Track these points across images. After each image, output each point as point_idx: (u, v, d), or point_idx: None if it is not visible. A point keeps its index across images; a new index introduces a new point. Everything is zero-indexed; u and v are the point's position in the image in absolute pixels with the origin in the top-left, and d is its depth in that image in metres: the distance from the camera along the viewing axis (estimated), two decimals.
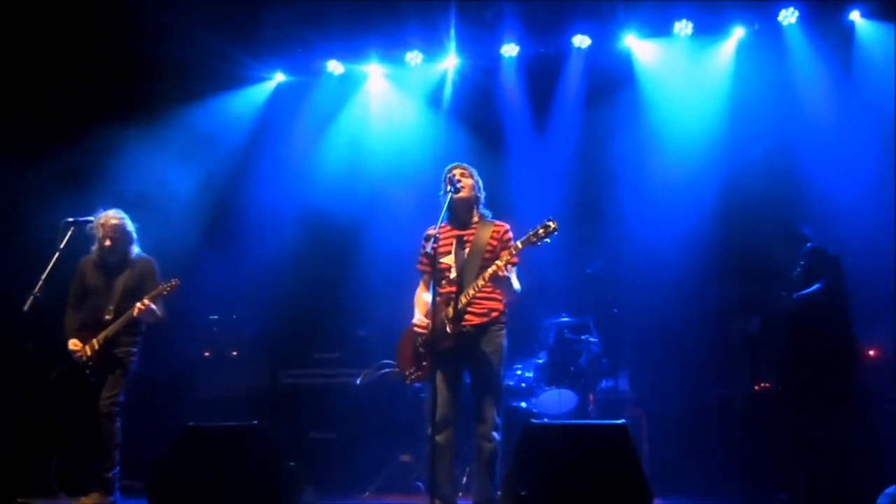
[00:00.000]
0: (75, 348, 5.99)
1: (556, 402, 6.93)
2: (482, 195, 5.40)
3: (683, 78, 7.65)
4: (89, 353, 5.98)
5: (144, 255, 6.28)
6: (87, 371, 5.97)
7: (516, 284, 5.13)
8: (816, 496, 5.91)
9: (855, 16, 7.19)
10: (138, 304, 5.93)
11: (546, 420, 6.52)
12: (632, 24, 7.68)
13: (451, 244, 5.30)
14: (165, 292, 6.01)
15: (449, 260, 5.27)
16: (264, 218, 8.12)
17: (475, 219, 5.35)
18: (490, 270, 4.98)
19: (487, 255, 5.19)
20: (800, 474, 6.02)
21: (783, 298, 6.19)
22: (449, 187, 5.23)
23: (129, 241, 6.22)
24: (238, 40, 7.87)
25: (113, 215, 6.18)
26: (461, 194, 5.25)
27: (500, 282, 5.03)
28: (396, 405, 7.24)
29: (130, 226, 6.23)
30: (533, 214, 5.06)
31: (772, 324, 6.52)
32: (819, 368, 6.05)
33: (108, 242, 6.11)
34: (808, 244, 6.33)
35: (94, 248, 6.17)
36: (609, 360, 7.32)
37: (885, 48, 6.92)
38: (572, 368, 7.23)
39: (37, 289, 5.68)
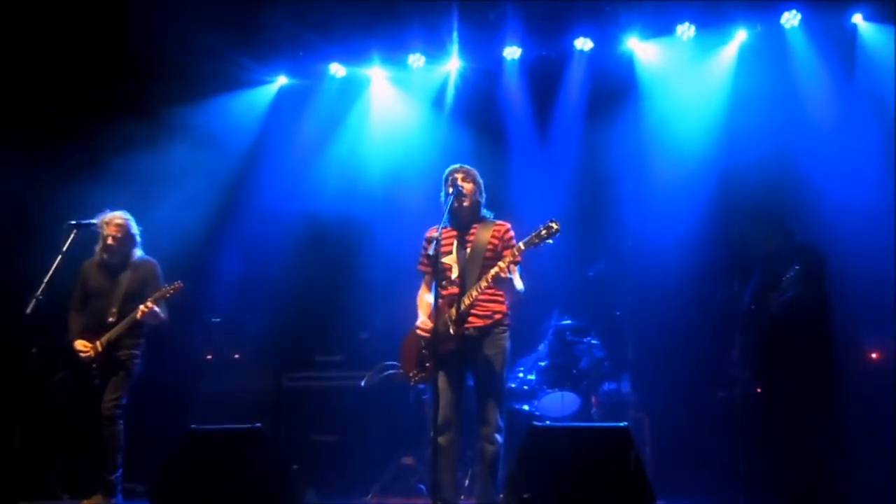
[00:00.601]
0: (83, 349, 6.00)
1: (558, 404, 6.92)
2: (483, 198, 5.42)
3: (686, 81, 7.63)
4: (93, 354, 5.99)
5: (147, 257, 6.29)
6: (92, 373, 5.98)
7: (519, 285, 5.14)
8: (805, 497, 5.90)
9: (857, 18, 7.17)
10: (142, 307, 5.94)
11: (548, 422, 6.53)
12: (634, 27, 7.67)
13: (452, 244, 5.32)
14: (169, 295, 6.02)
15: (450, 260, 5.29)
16: (266, 220, 8.13)
17: (476, 220, 5.36)
18: (493, 272, 4.99)
19: (489, 255, 5.20)
20: (776, 476, 6.02)
21: (773, 301, 6.11)
22: (451, 190, 5.25)
23: (133, 244, 6.23)
24: (240, 42, 7.87)
25: (119, 215, 6.21)
26: (463, 202, 5.27)
27: (502, 283, 5.04)
28: (398, 407, 7.24)
29: (135, 229, 6.25)
30: (535, 216, 5.08)
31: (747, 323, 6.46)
32: (797, 369, 6.01)
33: (110, 241, 6.13)
34: (796, 239, 6.27)
35: (98, 247, 6.19)
36: (611, 362, 7.32)
37: (887, 51, 6.90)
38: (574, 371, 7.22)
39: (39, 291, 5.69)
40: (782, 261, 6.14)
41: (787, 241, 6.25)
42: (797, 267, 5.98)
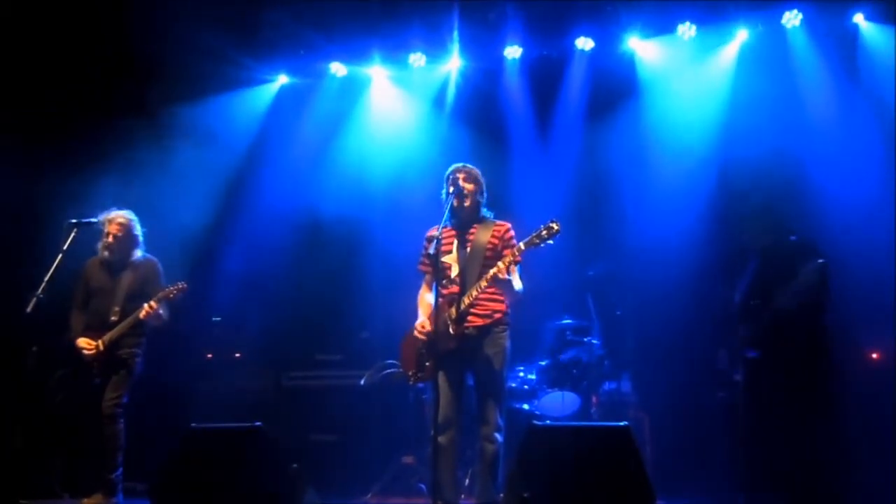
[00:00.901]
0: (87, 347, 6.00)
1: (558, 404, 6.92)
2: (483, 198, 5.42)
3: (687, 80, 7.64)
4: (95, 353, 5.99)
5: (148, 255, 6.30)
6: (93, 371, 5.98)
7: (518, 285, 5.14)
8: (805, 497, 5.88)
9: (859, 18, 7.17)
10: (146, 307, 5.94)
11: (548, 422, 6.52)
12: (635, 27, 7.67)
13: (452, 244, 5.33)
14: (172, 295, 6.01)
15: (450, 259, 5.30)
16: (266, 219, 8.13)
17: (476, 219, 5.37)
18: (491, 272, 5.00)
19: (488, 254, 5.21)
20: (776, 475, 5.99)
21: (783, 295, 5.99)
22: (452, 189, 5.26)
23: (134, 244, 6.23)
24: (240, 41, 7.88)
25: (122, 214, 6.22)
26: (464, 201, 5.28)
27: (501, 284, 5.04)
28: (399, 407, 7.24)
29: (138, 230, 6.26)
30: (536, 216, 5.08)
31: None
32: (799, 368, 5.96)
33: (111, 239, 6.14)
34: (792, 238, 6.18)
35: (100, 245, 6.19)
36: (611, 362, 7.32)
37: (888, 51, 6.90)
38: (575, 370, 7.22)
39: (40, 290, 5.68)
40: (779, 258, 6.07)
41: (783, 239, 6.16)
42: (820, 261, 5.85)
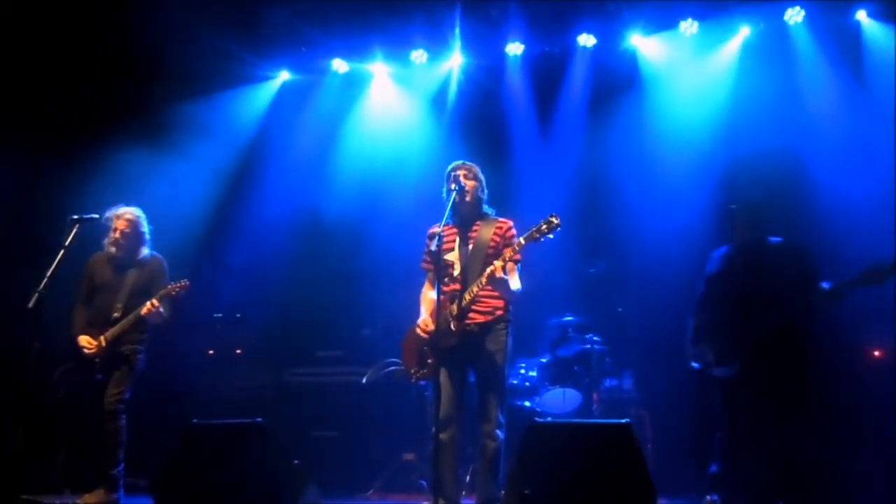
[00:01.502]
0: (87, 346, 6.00)
1: (559, 401, 6.93)
2: (485, 195, 5.42)
3: (689, 77, 7.64)
4: (96, 350, 5.99)
5: (154, 253, 6.30)
6: (95, 367, 5.99)
7: (515, 285, 5.14)
8: (804, 496, 5.86)
9: (861, 16, 7.17)
10: (148, 304, 5.93)
11: (549, 419, 6.53)
12: (637, 23, 7.68)
13: (455, 241, 5.32)
14: (174, 293, 6.01)
15: (452, 257, 5.30)
16: (268, 215, 8.13)
17: (478, 216, 5.36)
18: (487, 271, 5.00)
19: (490, 252, 5.21)
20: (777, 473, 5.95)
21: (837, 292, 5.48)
22: (453, 186, 5.26)
23: (141, 241, 6.23)
24: (242, 38, 7.89)
25: (129, 211, 6.22)
26: (465, 198, 5.28)
27: (497, 283, 5.03)
28: (400, 404, 7.24)
29: (145, 227, 6.25)
30: (537, 213, 5.07)
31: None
32: (800, 366, 5.87)
33: (118, 235, 6.14)
34: (774, 239, 5.80)
35: (106, 241, 6.19)
36: (613, 359, 7.32)
37: (891, 49, 6.90)
38: (576, 367, 7.22)
39: (41, 286, 5.68)
40: (757, 257, 5.85)
41: (763, 239, 5.79)
42: (856, 278, 5.27)
